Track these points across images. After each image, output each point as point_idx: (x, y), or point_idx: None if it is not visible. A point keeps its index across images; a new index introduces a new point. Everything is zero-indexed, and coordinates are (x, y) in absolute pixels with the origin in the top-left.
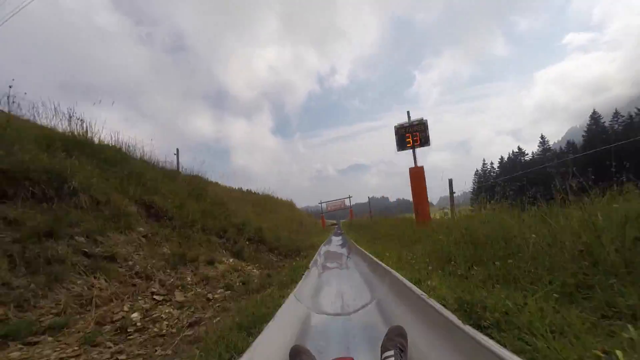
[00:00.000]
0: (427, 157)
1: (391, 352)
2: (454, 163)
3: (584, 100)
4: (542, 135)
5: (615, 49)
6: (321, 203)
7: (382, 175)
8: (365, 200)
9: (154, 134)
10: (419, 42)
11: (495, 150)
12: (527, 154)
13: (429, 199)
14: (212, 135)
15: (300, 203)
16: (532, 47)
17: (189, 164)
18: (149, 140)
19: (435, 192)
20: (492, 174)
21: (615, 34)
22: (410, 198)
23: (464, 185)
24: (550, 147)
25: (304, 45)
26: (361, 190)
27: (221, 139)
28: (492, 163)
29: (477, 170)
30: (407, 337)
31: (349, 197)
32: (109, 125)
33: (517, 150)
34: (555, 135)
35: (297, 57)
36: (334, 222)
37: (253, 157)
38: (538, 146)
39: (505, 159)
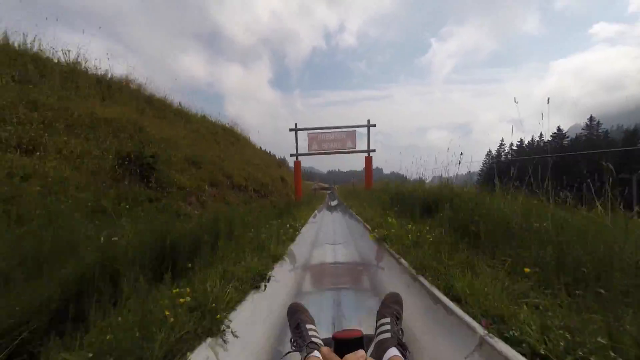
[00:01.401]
0: (426, 133)
1: (387, 320)
2: (452, 145)
3: (597, 96)
4: (558, 128)
5: None
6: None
7: (379, 147)
8: (361, 168)
9: (140, 69)
10: (443, 3)
11: (495, 137)
12: (567, 137)
13: (423, 177)
14: (204, 79)
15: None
16: (558, 32)
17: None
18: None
19: (427, 169)
20: (508, 156)
21: None
22: (404, 172)
23: (458, 167)
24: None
25: None
26: (358, 159)
27: (214, 83)
28: (511, 144)
29: (489, 151)
30: (402, 304)
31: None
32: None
33: (519, 141)
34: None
35: (304, 4)
36: (325, 186)
37: (249, 107)
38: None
39: (526, 142)
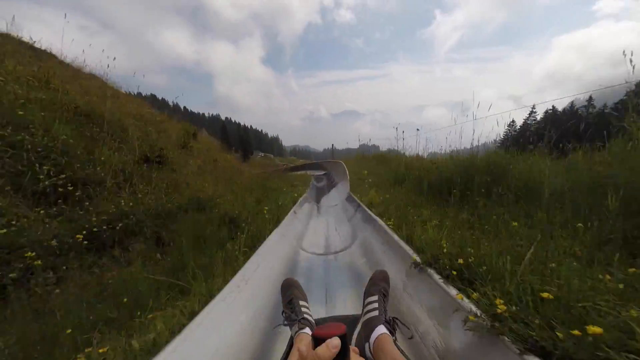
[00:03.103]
0: (423, 111)
1: (375, 297)
2: (449, 122)
3: (602, 70)
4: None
5: None
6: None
7: (377, 125)
8: (356, 146)
9: (117, 48)
10: None
11: (492, 114)
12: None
13: (420, 153)
14: (190, 57)
15: (289, 141)
16: (562, 7)
17: (163, 86)
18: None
19: (428, 147)
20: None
21: None
22: (400, 148)
23: (460, 140)
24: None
25: None
26: (353, 137)
27: (201, 61)
28: (530, 113)
29: (512, 121)
30: (389, 280)
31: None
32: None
33: (551, 108)
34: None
35: None
36: (305, 162)
37: (240, 87)
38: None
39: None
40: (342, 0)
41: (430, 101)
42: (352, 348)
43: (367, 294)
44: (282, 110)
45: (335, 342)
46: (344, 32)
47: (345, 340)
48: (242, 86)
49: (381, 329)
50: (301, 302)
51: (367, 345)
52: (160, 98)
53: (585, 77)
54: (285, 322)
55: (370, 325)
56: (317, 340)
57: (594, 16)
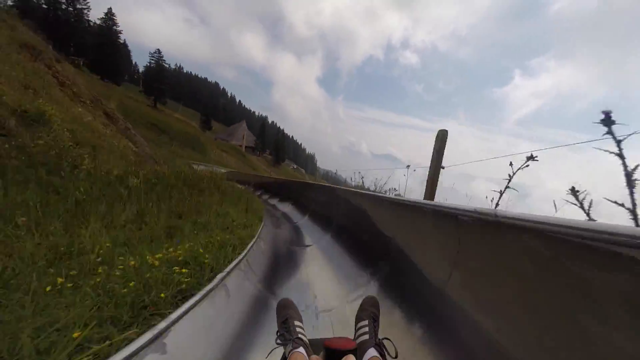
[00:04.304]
0: (473, 182)
1: (365, 322)
2: (495, 199)
3: None
4: None
5: None
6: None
7: (417, 180)
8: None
9: (205, 40)
10: (543, 27)
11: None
12: None
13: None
14: (259, 61)
15: (323, 164)
16: None
17: (230, 80)
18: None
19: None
20: None
21: None
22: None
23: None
24: None
25: None
26: (391, 183)
27: (267, 68)
28: None
29: None
30: (379, 306)
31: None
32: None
33: None
34: None
35: (371, 8)
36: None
37: (293, 100)
38: None
39: None
40: (411, 41)
41: (483, 172)
42: None
43: (358, 319)
44: (324, 133)
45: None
46: (405, 75)
47: (356, 355)
48: (295, 99)
49: (372, 352)
50: (296, 322)
51: None
52: (221, 87)
53: None
54: (279, 342)
55: (362, 348)
56: (329, 351)
57: None
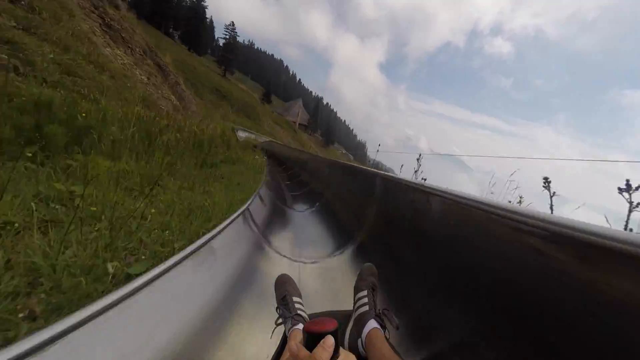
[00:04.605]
0: (562, 206)
1: (364, 292)
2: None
3: None
4: None
5: None
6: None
7: (485, 191)
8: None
9: (276, 19)
10: None
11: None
12: None
13: None
14: (322, 42)
15: (373, 154)
16: None
17: (293, 58)
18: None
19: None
20: None
21: None
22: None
23: None
24: None
25: None
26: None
27: (328, 49)
28: None
29: None
30: (377, 274)
31: None
32: None
33: None
34: None
35: None
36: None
37: (350, 83)
38: None
39: None
40: (505, 26)
41: (585, 199)
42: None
43: (356, 289)
44: (379, 122)
45: (329, 342)
46: (489, 66)
47: (336, 335)
48: (352, 82)
49: (372, 324)
50: (294, 298)
51: (359, 341)
52: (285, 65)
53: None
54: (280, 321)
55: (361, 321)
56: (309, 336)
57: None
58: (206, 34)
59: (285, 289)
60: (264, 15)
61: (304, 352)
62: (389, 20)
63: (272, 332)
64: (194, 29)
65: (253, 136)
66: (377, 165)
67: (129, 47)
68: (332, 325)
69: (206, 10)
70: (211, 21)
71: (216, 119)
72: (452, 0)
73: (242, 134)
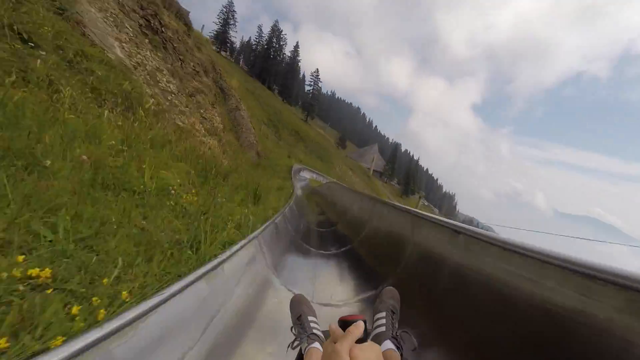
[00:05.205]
0: None
1: (383, 314)
2: None
3: None
4: None
5: None
6: None
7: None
8: None
9: (357, 69)
10: None
11: None
12: None
13: None
14: (402, 88)
15: (465, 209)
16: None
17: (371, 106)
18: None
19: None
20: None
21: None
22: None
23: None
24: None
25: None
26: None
27: (409, 94)
28: None
29: None
30: (399, 299)
31: None
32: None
33: None
34: None
35: (591, 5)
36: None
37: (433, 128)
38: None
39: None
40: None
41: None
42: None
43: (376, 310)
44: (472, 171)
45: (360, 324)
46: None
47: (366, 324)
48: (436, 128)
49: (388, 344)
50: (310, 318)
51: None
52: (362, 112)
53: None
54: (295, 344)
55: (378, 340)
56: (343, 323)
57: None
58: (297, 85)
59: (300, 309)
60: (346, 67)
61: (340, 330)
62: (485, 57)
63: (287, 350)
64: (289, 82)
65: (321, 178)
66: (470, 221)
67: (179, 58)
68: (362, 317)
69: (300, 64)
70: (303, 76)
71: (278, 154)
72: (575, 20)
73: (305, 175)
